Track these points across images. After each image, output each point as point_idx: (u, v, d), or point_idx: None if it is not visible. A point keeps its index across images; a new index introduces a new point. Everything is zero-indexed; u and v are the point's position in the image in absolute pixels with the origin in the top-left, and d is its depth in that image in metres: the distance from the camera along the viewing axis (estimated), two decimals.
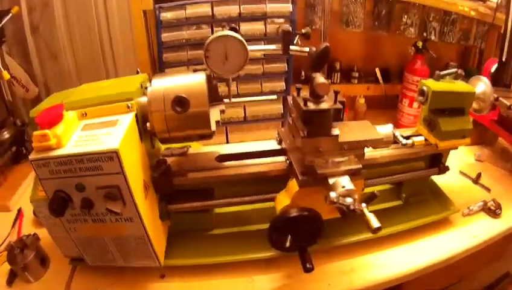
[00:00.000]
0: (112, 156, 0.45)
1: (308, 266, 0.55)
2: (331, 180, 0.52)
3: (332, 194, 0.49)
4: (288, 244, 0.56)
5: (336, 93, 0.52)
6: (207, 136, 0.54)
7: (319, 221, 0.55)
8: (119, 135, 0.47)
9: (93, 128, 0.49)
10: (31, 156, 0.46)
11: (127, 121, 0.50)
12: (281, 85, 0.95)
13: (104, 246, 0.56)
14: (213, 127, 0.53)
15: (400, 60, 1.22)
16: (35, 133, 0.46)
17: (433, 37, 1.12)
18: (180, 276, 0.61)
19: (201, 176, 0.58)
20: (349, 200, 0.50)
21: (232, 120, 0.96)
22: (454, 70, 0.73)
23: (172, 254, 0.61)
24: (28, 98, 1.09)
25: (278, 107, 0.97)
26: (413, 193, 0.76)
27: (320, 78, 0.49)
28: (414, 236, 0.70)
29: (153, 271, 0.62)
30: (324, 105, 0.51)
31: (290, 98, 0.56)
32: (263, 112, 0.97)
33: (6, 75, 0.85)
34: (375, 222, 0.49)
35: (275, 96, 0.61)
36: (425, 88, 0.65)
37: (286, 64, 0.93)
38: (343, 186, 0.51)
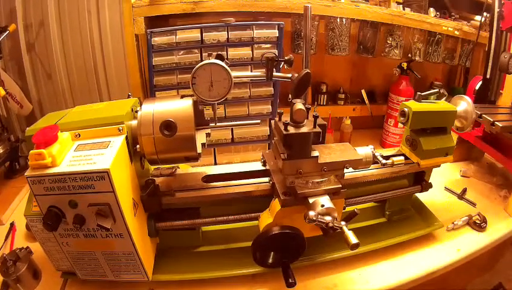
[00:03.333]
0: (104, 175, 0.48)
1: (290, 281, 0.57)
2: (311, 200, 0.55)
3: (311, 213, 0.52)
4: (271, 260, 0.59)
5: (315, 117, 0.55)
6: (193, 159, 0.57)
7: (301, 238, 0.58)
8: (110, 156, 0.50)
9: (86, 149, 0.52)
10: (27, 173, 0.49)
11: (118, 143, 0.53)
12: (267, 108, 0.98)
13: (95, 260, 0.58)
14: (199, 150, 0.56)
15: (385, 81, 1.27)
16: (32, 152, 0.49)
17: (417, 58, 1.16)
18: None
19: (188, 195, 0.61)
20: (328, 218, 0.53)
21: (220, 142, 0.99)
22: (436, 90, 0.76)
23: (161, 270, 0.64)
24: (22, 114, 1.12)
25: (265, 130, 1.00)
26: (397, 210, 0.78)
27: (298, 105, 0.52)
28: (398, 252, 0.72)
29: (141, 286, 0.64)
30: (304, 129, 0.54)
31: (273, 122, 0.60)
32: (250, 134, 1.00)
33: (1, 92, 0.87)
34: (353, 239, 0.51)
35: (258, 121, 0.64)
36: (406, 109, 0.68)
37: (272, 88, 0.96)
38: (323, 205, 0.54)
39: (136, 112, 0.58)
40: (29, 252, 0.68)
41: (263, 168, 0.66)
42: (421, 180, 0.75)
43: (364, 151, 0.64)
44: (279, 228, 0.56)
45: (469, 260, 0.74)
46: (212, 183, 0.63)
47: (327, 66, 1.22)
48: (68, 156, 0.51)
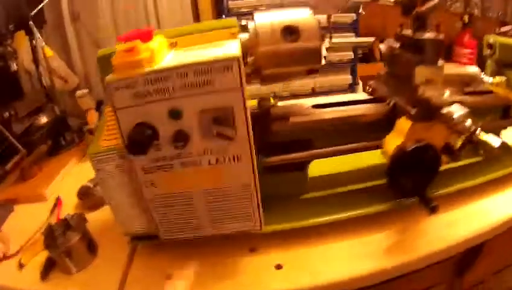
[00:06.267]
0: (231, 64, 0.37)
1: (433, 204, 0.48)
2: (444, 110, 0.49)
3: (457, 114, 0.45)
4: (409, 184, 0.49)
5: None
6: (315, 71, 0.49)
7: (436, 155, 0.50)
8: (234, 48, 0.40)
9: (190, 51, 0.42)
10: (108, 78, 0.38)
11: (234, 45, 0.42)
12: (349, 54, 0.93)
13: (189, 206, 0.45)
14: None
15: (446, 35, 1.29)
16: (119, 47, 0.38)
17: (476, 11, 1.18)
18: (275, 247, 0.51)
19: (303, 120, 0.52)
20: (469, 122, 0.46)
21: (299, 92, 0.92)
22: None
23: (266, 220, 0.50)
24: (67, 89, 1.00)
25: (346, 78, 0.93)
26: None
27: None
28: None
29: (240, 244, 0.52)
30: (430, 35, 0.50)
31: (387, 40, 0.55)
32: (330, 83, 0.92)
33: (49, 52, 0.78)
34: (495, 141, 0.45)
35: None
36: (492, 40, 0.66)
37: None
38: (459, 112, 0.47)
39: (244, 26, 0.49)
40: (83, 219, 0.53)
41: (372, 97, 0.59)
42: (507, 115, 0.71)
43: (472, 69, 0.61)
44: (416, 142, 0.48)
45: None
46: (324, 109, 0.54)
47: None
48: (167, 59, 0.41)
